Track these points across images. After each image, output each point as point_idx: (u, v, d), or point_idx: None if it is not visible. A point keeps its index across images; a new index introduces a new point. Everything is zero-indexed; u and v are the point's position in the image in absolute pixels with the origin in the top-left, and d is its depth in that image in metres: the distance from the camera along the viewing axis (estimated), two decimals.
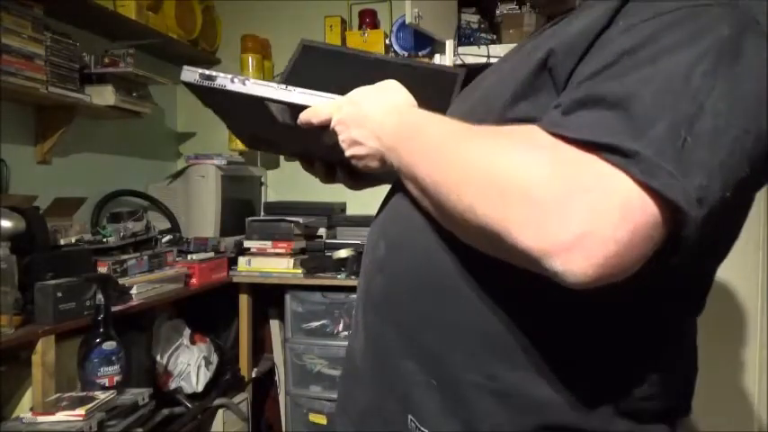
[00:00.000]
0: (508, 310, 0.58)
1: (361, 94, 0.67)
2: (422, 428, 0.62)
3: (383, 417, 0.67)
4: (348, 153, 0.67)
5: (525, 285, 0.57)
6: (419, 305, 0.64)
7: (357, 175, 0.84)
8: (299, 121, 0.70)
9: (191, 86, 0.72)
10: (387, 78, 0.68)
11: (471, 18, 2.45)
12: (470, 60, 2.39)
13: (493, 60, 2.22)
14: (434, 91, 0.76)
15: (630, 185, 0.45)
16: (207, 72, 0.70)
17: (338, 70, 0.83)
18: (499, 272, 0.58)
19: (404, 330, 0.65)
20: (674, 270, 0.55)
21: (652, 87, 0.46)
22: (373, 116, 0.64)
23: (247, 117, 0.80)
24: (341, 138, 0.67)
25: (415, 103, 0.66)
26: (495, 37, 2.43)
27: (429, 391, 0.62)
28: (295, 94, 0.69)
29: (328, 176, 0.86)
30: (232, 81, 0.69)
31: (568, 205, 0.45)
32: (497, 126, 0.56)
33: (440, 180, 0.55)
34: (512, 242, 0.48)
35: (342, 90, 0.69)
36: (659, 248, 0.47)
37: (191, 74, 0.71)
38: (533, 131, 0.50)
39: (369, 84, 0.68)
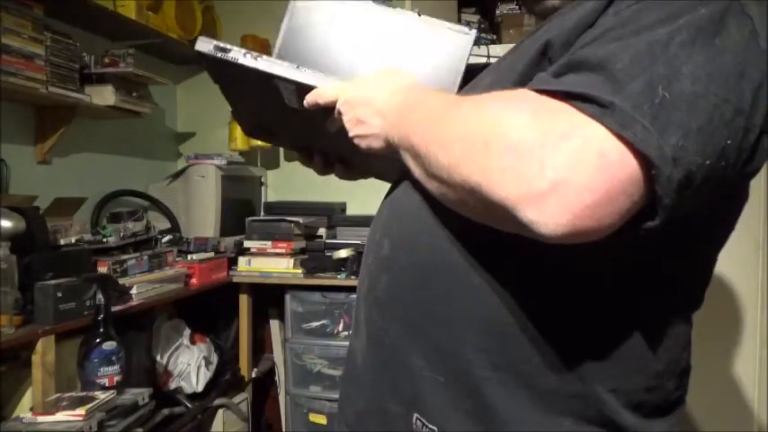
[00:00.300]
0: (517, 302, 0.59)
1: (368, 76, 0.68)
2: (429, 426, 0.62)
3: (383, 417, 0.67)
4: (352, 133, 0.67)
5: (534, 278, 0.58)
6: (426, 301, 0.64)
7: (353, 168, 0.86)
8: (305, 102, 0.70)
9: (204, 57, 0.72)
10: (392, 35, 0.68)
11: (471, 18, 2.45)
12: (470, 60, 2.38)
13: (493, 60, 2.22)
14: (444, 53, 0.74)
15: (607, 136, 0.45)
16: (222, 44, 0.71)
17: (339, 27, 0.79)
18: (507, 265, 0.59)
19: (410, 327, 0.65)
20: (672, 257, 0.57)
21: (631, 51, 0.47)
22: (379, 96, 0.65)
23: (254, 97, 0.79)
24: (346, 118, 0.68)
25: (421, 85, 0.67)
26: (495, 37, 2.43)
27: (436, 388, 0.62)
28: (305, 74, 0.69)
29: (326, 169, 0.88)
30: (245, 56, 0.70)
31: (545, 152, 0.45)
32: None
33: (431, 141, 0.56)
34: (490, 193, 0.48)
35: (345, 47, 0.68)
36: (639, 210, 0.47)
37: (206, 44, 0.71)
38: (520, 91, 0.52)
39: (373, 40, 0.68)
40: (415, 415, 0.63)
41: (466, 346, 0.60)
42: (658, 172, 0.45)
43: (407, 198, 0.67)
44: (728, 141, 0.47)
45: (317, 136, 0.77)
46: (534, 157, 0.45)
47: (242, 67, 0.70)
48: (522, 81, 0.58)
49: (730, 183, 0.52)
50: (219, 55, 0.70)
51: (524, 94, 0.50)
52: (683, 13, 0.48)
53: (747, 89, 0.48)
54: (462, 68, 0.77)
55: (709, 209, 0.55)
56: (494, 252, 0.59)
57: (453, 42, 0.73)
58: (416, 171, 0.60)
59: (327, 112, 0.70)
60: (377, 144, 0.66)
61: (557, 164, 0.45)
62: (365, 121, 0.66)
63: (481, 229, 0.55)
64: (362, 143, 0.67)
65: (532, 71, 0.57)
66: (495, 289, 0.59)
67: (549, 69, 0.52)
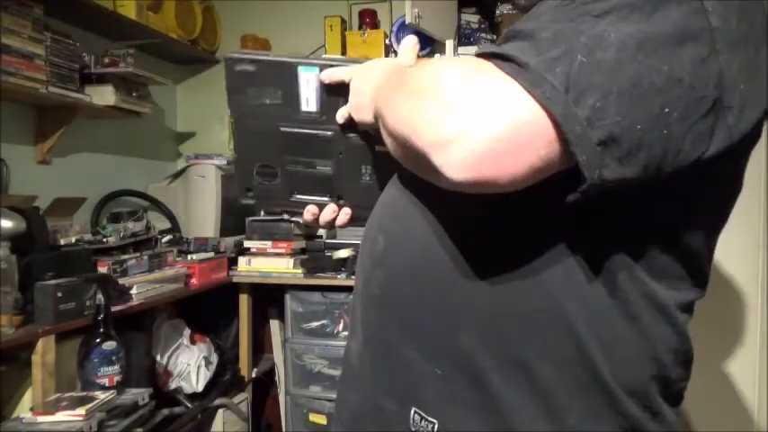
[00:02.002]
0: (512, 291, 0.59)
1: (374, 61, 0.74)
2: (428, 419, 0.62)
3: (379, 416, 0.67)
4: (352, 102, 0.73)
5: (528, 265, 0.58)
6: (420, 294, 0.64)
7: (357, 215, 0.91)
8: (323, 75, 0.75)
9: (233, 62, 0.77)
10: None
11: (471, 18, 2.45)
12: None
13: None
14: None
15: (520, 93, 0.48)
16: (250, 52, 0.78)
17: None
18: (499, 253, 0.59)
19: (406, 321, 0.65)
20: (660, 244, 0.58)
21: (560, 24, 0.50)
22: (378, 71, 0.70)
23: (269, 118, 0.81)
24: (351, 87, 0.73)
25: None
26: (495, 37, 2.43)
27: (434, 380, 0.62)
28: (329, 60, 0.77)
29: (332, 221, 0.88)
30: (268, 56, 0.78)
31: (461, 103, 0.49)
32: None
33: (386, 102, 0.61)
34: (415, 142, 0.53)
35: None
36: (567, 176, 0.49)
37: (235, 53, 0.78)
38: (462, 57, 0.55)
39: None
40: (413, 409, 0.63)
41: (462, 336, 0.61)
42: (566, 130, 0.47)
43: (400, 193, 0.69)
44: (666, 110, 0.48)
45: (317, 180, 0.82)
46: (452, 107, 0.49)
47: (272, 63, 0.76)
48: None
49: (690, 160, 0.51)
50: (249, 56, 0.77)
51: (463, 58, 0.55)
52: None
53: (687, 60, 0.49)
54: None
55: (679, 193, 0.56)
56: (484, 240, 0.60)
57: None
58: (383, 134, 0.64)
59: (340, 98, 0.75)
60: (367, 116, 0.70)
61: (469, 114, 0.48)
62: (361, 92, 0.71)
63: (471, 218, 0.56)
64: (357, 115, 0.72)
65: None
66: (489, 280, 0.60)
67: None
